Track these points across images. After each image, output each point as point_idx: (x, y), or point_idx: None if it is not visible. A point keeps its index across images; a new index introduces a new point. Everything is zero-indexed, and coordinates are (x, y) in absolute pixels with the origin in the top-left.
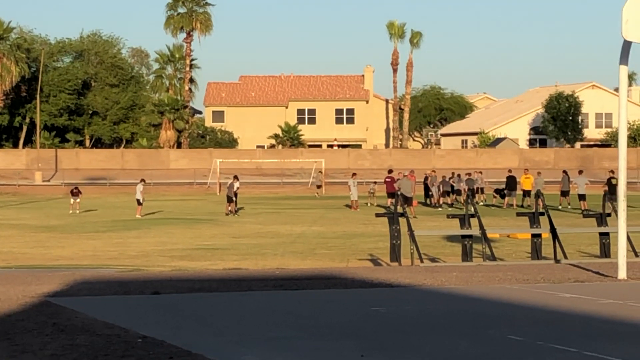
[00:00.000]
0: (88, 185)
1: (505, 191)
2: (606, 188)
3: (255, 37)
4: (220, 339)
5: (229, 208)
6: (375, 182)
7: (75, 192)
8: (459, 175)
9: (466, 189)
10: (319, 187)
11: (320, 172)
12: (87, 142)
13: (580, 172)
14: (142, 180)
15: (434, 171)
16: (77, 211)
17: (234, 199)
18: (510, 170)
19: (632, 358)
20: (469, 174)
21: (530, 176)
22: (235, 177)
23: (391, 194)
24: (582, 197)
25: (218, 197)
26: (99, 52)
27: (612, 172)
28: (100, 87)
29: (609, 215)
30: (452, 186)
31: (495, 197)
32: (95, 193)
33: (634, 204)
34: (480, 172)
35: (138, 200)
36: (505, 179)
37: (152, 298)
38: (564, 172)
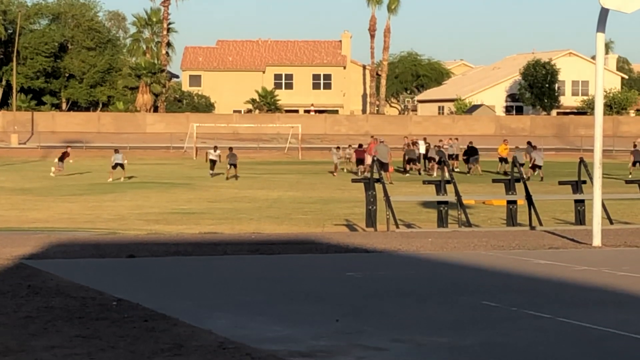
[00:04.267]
0: (64, 149)
1: (464, 158)
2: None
3: (232, 1)
4: (194, 303)
5: (230, 173)
6: (350, 146)
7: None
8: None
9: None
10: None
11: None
12: (64, 105)
13: (535, 147)
14: (117, 150)
15: (406, 137)
16: (53, 174)
17: (236, 164)
18: (471, 142)
19: (605, 324)
20: (438, 146)
21: (508, 147)
22: (215, 147)
23: (359, 160)
24: (538, 167)
25: (194, 162)
26: (76, 15)
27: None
28: (77, 50)
29: (584, 182)
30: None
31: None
32: (71, 156)
33: (609, 171)
34: (456, 139)
35: (122, 165)
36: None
37: (127, 261)
38: (528, 142)
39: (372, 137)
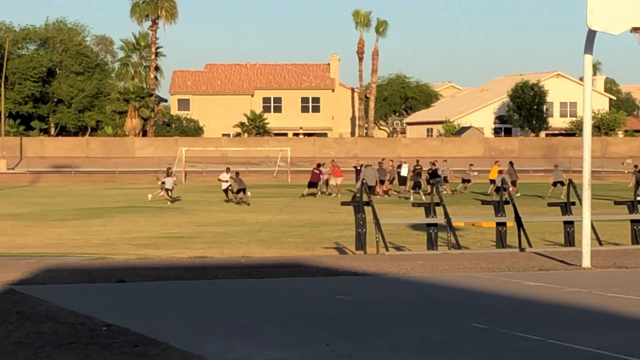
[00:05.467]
0: (53, 174)
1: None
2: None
3: (221, 25)
4: (185, 327)
5: (240, 197)
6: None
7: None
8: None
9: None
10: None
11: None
12: (52, 130)
13: (501, 171)
14: (169, 168)
15: (391, 160)
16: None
17: (245, 189)
18: (434, 163)
19: (595, 346)
20: (414, 167)
21: (497, 168)
22: (228, 169)
23: (312, 183)
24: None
25: (183, 185)
26: (64, 39)
27: (636, 166)
28: (65, 74)
29: (573, 204)
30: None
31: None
32: (60, 181)
33: (598, 192)
34: (445, 161)
35: (169, 190)
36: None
37: (117, 286)
38: (510, 162)
39: (332, 161)
